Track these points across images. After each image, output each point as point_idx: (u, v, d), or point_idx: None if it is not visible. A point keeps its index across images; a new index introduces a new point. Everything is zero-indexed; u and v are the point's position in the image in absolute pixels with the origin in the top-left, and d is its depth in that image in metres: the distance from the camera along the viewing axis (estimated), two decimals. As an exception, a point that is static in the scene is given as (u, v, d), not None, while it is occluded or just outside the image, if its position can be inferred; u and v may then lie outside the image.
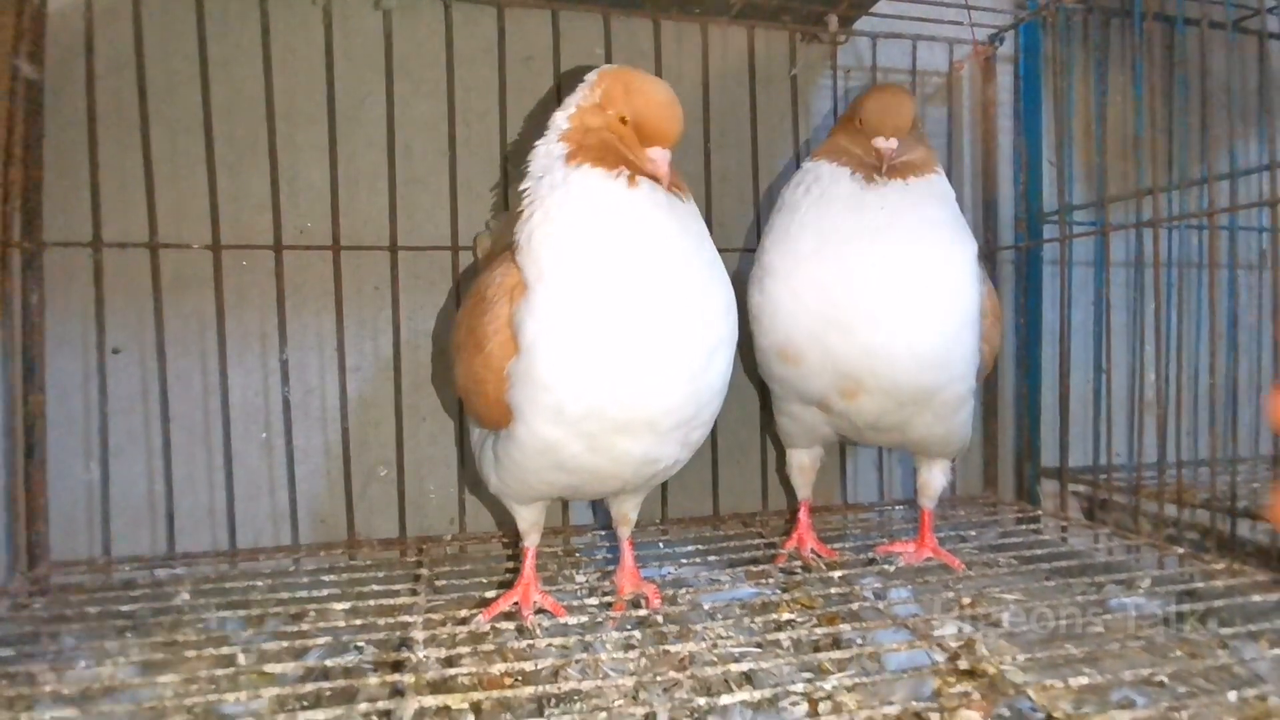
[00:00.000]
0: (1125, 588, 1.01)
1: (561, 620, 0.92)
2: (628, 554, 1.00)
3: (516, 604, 0.93)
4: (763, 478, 1.41)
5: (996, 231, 1.48)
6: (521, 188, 0.86)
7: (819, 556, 1.13)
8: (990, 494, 1.49)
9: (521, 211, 0.85)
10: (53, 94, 1.10)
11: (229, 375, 1.16)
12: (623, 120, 0.81)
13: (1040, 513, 1.36)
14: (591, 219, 0.80)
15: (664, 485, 1.35)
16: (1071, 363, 1.36)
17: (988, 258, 1.48)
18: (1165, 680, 0.80)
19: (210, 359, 1.16)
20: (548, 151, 0.85)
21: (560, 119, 0.86)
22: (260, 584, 1.02)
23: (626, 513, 1.00)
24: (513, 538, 1.22)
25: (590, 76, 0.87)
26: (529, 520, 0.97)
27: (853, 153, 1.01)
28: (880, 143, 0.98)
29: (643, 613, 0.94)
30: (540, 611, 0.93)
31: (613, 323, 0.78)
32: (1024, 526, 1.31)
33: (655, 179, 0.82)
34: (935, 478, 1.14)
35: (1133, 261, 1.37)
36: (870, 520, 1.36)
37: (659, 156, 0.81)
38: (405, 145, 1.24)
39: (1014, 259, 1.49)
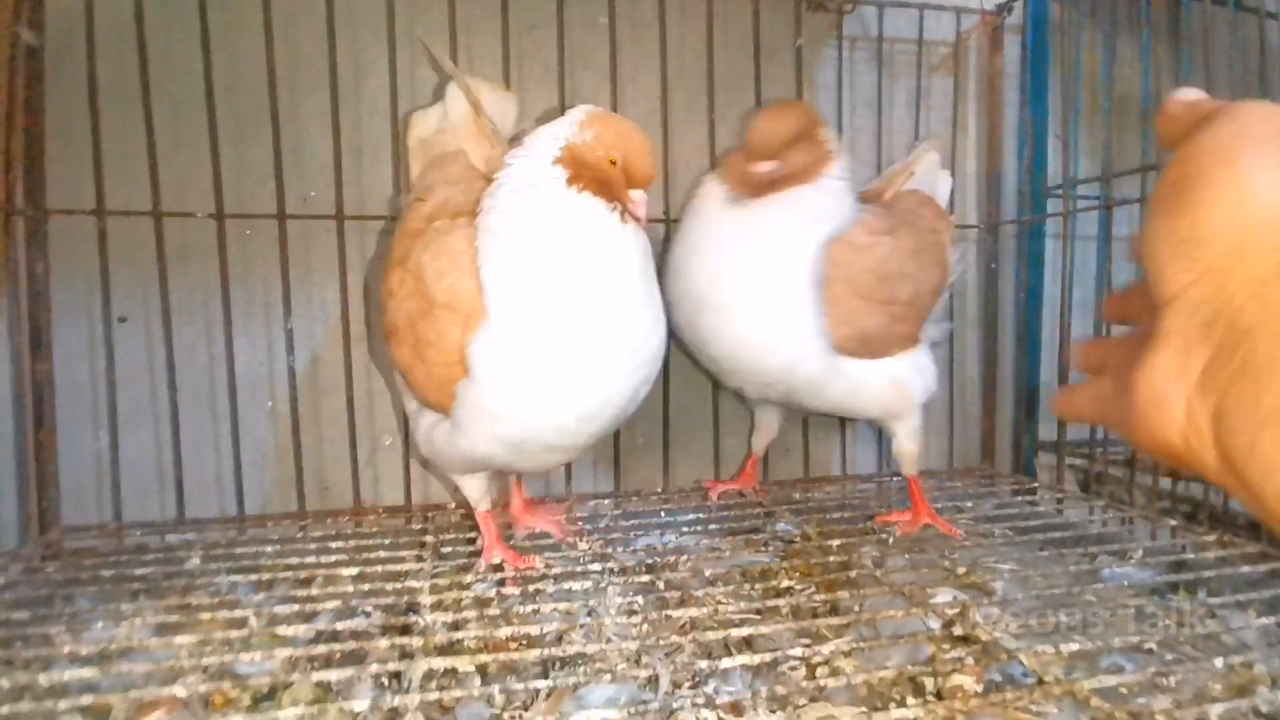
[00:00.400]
0: (1117, 558, 1.04)
1: (565, 585, 0.95)
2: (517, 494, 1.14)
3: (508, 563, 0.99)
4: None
5: (999, 205, 1.48)
6: (499, 197, 0.88)
7: (752, 493, 1.31)
8: (988, 466, 1.51)
9: (456, 164, 0.96)
10: (54, 61, 1.09)
11: (234, 344, 1.17)
12: (612, 162, 0.87)
13: (1037, 485, 1.38)
14: (583, 244, 0.85)
15: (665, 455, 1.36)
16: (1072, 338, 1.37)
17: (990, 231, 1.48)
18: (1154, 648, 0.82)
19: (215, 328, 1.17)
20: (541, 171, 0.87)
21: (548, 145, 0.88)
22: (269, 550, 1.04)
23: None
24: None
25: (577, 116, 0.90)
26: (478, 489, 1.01)
27: (736, 169, 1.09)
28: (752, 167, 1.06)
29: (646, 579, 0.96)
30: (500, 566, 0.99)
31: (566, 364, 0.85)
32: (1020, 499, 1.33)
33: (636, 219, 0.89)
34: (901, 444, 1.18)
35: (1136, 236, 1.37)
36: (868, 491, 1.38)
37: (640, 199, 0.88)
38: (409, 114, 1.23)
39: (1016, 233, 1.49)
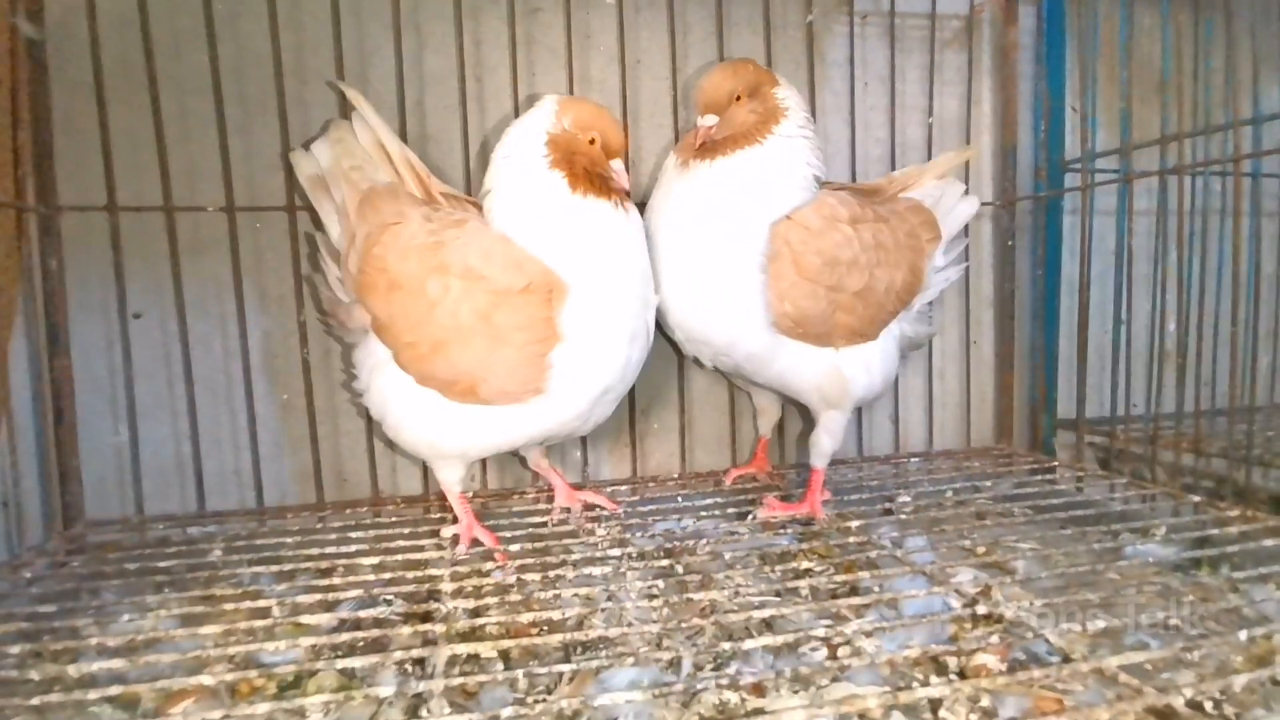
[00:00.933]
0: (1140, 536, 1.03)
1: (585, 571, 0.95)
2: (558, 478, 1.19)
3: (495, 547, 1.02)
4: (780, 433, 1.42)
5: (1015, 181, 1.46)
6: (501, 199, 0.98)
7: (765, 476, 1.32)
8: (1005, 445, 1.50)
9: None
10: (56, 55, 1.09)
11: (248, 337, 1.17)
12: (591, 141, 0.98)
13: (1056, 464, 1.37)
14: (607, 246, 0.98)
15: (682, 441, 1.36)
16: (1090, 314, 1.35)
17: (1006, 207, 1.46)
18: (1179, 624, 0.81)
19: (229, 321, 1.17)
20: (544, 180, 0.97)
21: (531, 143, 0.98)
22: (289, 541, 1.05)
23: (543, 451, 1.19)
24: (538, 494, 1.25)
25: (547, 105, 1.00)
26: (455, 473, 1.05)
27: (688, 138, 1.10)
28: (699, 120, 1.07)
29: (664, 563, 0.96)
30: (476, 544, 1.03)
31: (624, 318, 0.99)
32: (1039, 477, 1.31)
33: (624, 190, 1.01)
34: (819, 435, 1.16)
35: (1154, 210, 1.35)
36: (885, 472, 1.37)
37: (620, 169, 1.00)
38: (415, 101, 1.23)
39: (1032, 209, 1.47)
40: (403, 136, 1.19)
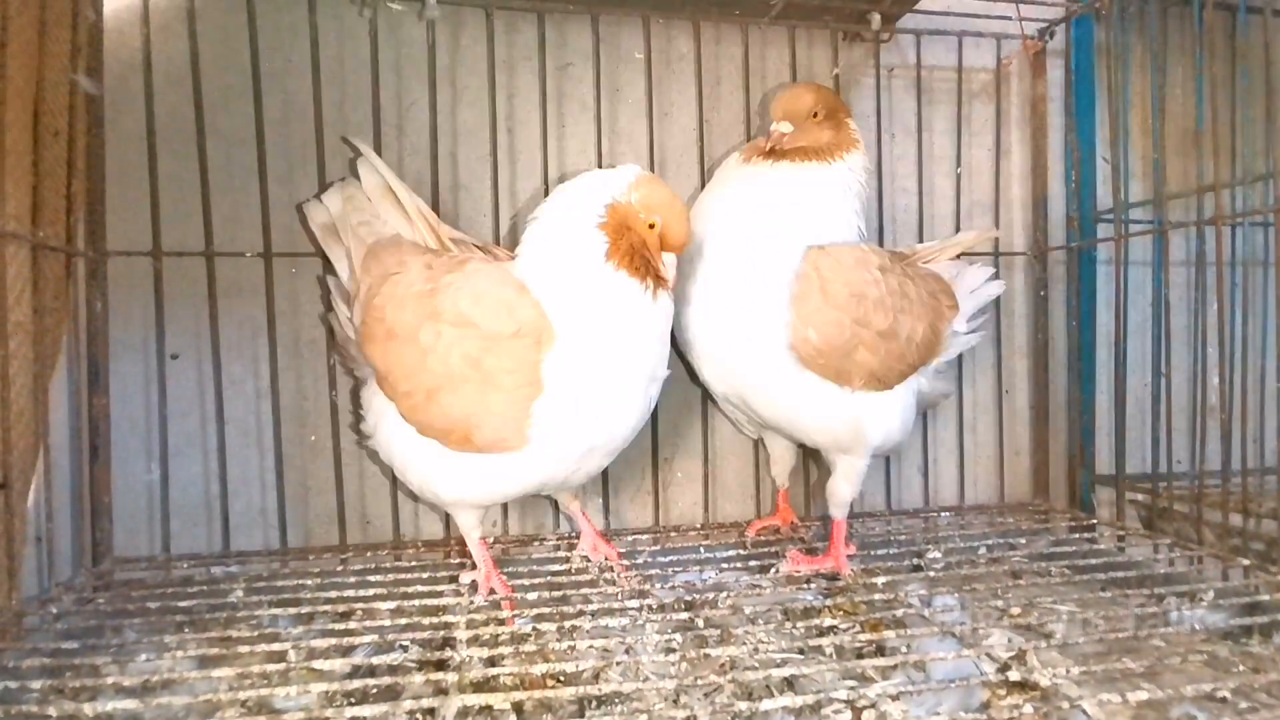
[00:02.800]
0: (1187, 600, 0.98)
1: (603, 622, 0.93)
2: (587, 524, 1.17)
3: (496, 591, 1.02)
4: (805, 484, 1.39)
5: (1047, 231, 1.44)
6: (538, 235, 0.98)
7: (788, 528, 1.28)
8: (1041, 501, 1.45)
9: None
10: (112, 108, 1.14)
11: (279, 379, 1.19)
12: (651, 226, 0.95)
13: (1095, 521, 1.32)
14: (618, 319, 0.95)
15: (705, 491, 1.34)
16: (1128, 366, 1.32)
17: (1038, 257, 1.45)
18: (1228, 696, 0.77)
19: (262, 363, 1.20)
20: (585, 237, 0.95)
21: (594, 200, 0.96)
22: (309, 583, 1.05)
23: (574, 494, 1.17)
24: (559, 541, 1.24)
25: (626, 175, 0.98)
26: (473, 518, 1.05)
27: (757, 143, 1.13)
28: (774, 126, 1.10)
29: (684, 616, 0.93)
30: (492, 593, 1.01)
31: (616, 380, 0.96)
32: (1078, 535, 1.27)
33: (664, 281, 0.97)
34: (836, 483, 1.14)
35: (1192, 261, 1.32)
36: (914, 526, 1.33)
37: (671, 263, 0.97)
38: (449, 152, 1.26)
39: (1065, 259, 1.45)
40: (434, 186, 1.23)
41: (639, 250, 0.96)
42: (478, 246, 1.09)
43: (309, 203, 1.15)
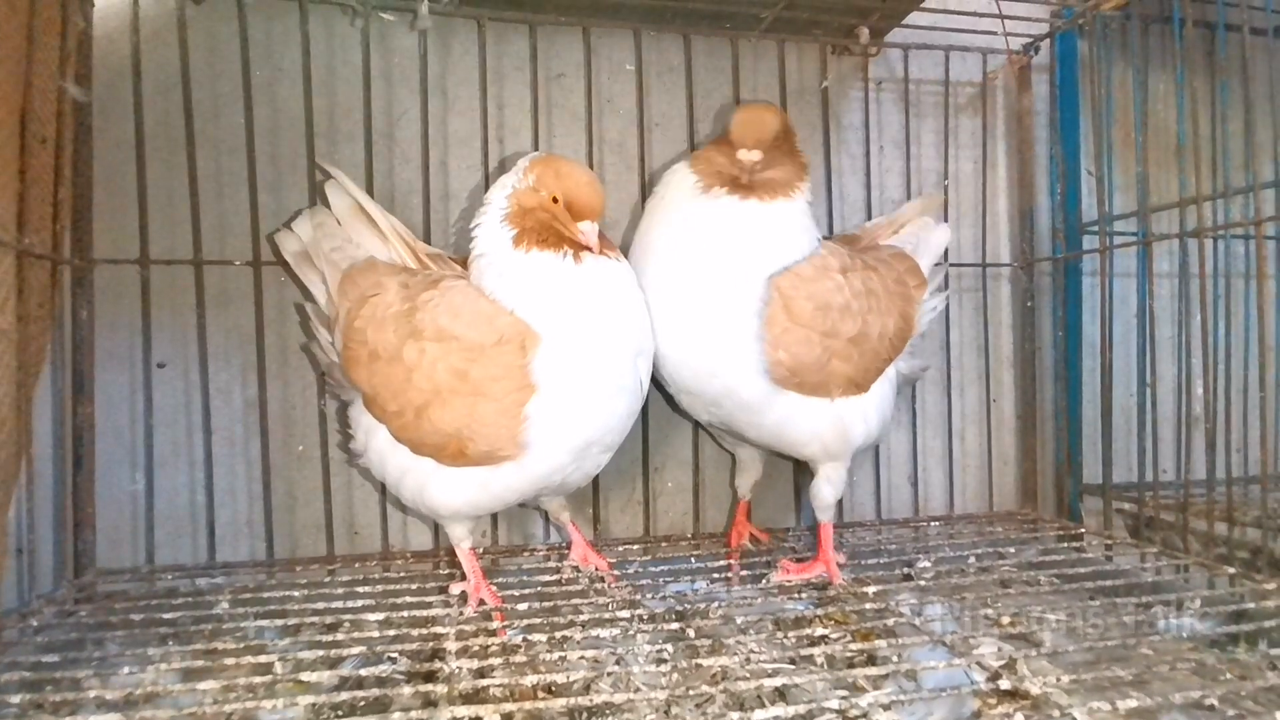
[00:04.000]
0: (1174, 608, 0.98)
1: (593, 633, 0.92)
2: (577, 534, 1.16)
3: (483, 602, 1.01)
4: (795, 493, 1.40)
5: (1033, 243, 1.46)
6: (476, 249, 1.00)
7: (758, 541, 1.27)
8: (1029, 510, 1.46)
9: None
10: (101, 116, 1.14)
11: (267, 388, 1.18)
12: (554, 200, 0.96)
13: (1083, 530, 1.33)
14: (567, 294, 0.96)
15: (695, 500, 1.34)
16: (1114, 377, 1.33)
17: (1024, 269, 1.46)
18: (1215, 703, 0.77)
19: (250, 373, 1.19)
20: (497, 234, 0.98)
21: (499, 198, 1.00)
22: (297, 594, 1.04)
23: (563, 504, 1.17)
24: (549, 551, 1.23)
25: (522, 163, 1.01)
26: (465, 528, 1.04)
27: (715, 161, 1.08)
28: (743, 154, 1.05)
29: (675, 626, 0.93)
30: (482, 604, 1.00)
31: (604, 366, 0.96)
32: (1065, 544, 1.27)
33: (587, 249, 0.97)
34: (819, 487, 1.14)
35: (1176, 272, 1.34)
36: (904, 535, 1.33)
37: (589, 229, 0.96)
38: (440, 161, 1.26)
39: (1051, 270, 1.46)
40: (425, 195, 1.23)
41: (548, 226, 0.97)
42: (455, 261, 1.09)
43: (279, 232, 1.14)
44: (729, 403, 1.07)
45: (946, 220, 1.44)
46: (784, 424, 1.08)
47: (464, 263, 1.08)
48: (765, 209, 1.06)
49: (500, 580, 1.08)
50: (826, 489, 1.13)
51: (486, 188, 1.24)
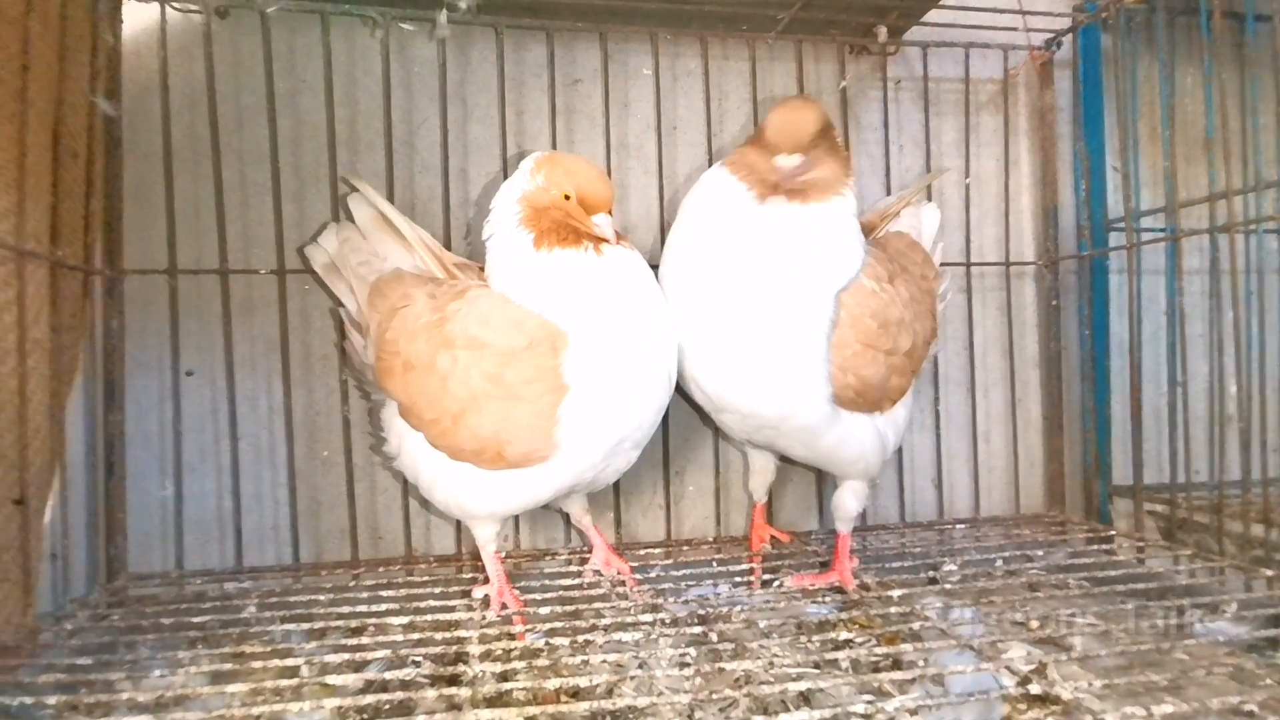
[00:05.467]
0: (1209, 612, 0.96)
1: (616, 637, 0.92)
2: (599, 538, 1.16)
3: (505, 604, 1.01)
4: (818, 496, 1.39)
5: (1057, 241, 1.44)
6: (491, 255, 1.01)
7: (779, 543, 1.26)
8: (1057, 512, 1.43)
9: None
10: (130, 129, 1.16)
11: (292, 395, 1.20)
12: (566, 197, 0.96)
13: (1114, 532, 1.30)
14: (592, 292, 0.96)
15: (717, 504, 1.34)
16: (1143, 376, 1.31)
17: (1049, 267, 1.44)
18: (1255, 709, 0.75)
19: (275, 379, 1.21)
20: (514, 240, 0.98)
21: (508, 204, 1.00)
22: (322, 598, 1.05)
23: (585, 508, 1.17)
24: (571, 555, 1.24)
25: (525, 165, 1.00)
26: (491, 530, 1.04)
27: (756, 167, 1.01)
28: (781, 160, 0.97)
29: (697, 630, 0.93)
30: (503, 608, 1.00)
31: (633, 363, 0.96)
32: (1095, 547, 1.25)
33: (604, 241, 0.97)
34: (845, 499, 1.12)
35: (1206, 269, 1.31)
36: (929, 539, 1.32)
37: (604, 221, 0.97)
38: (459, 169, 1.27)
39: (1076, 269, 1.44)
40: (446, 203, 1.24)
41: (564, 224, 0.97)
42: (480, 269, 1.09)
43: (309, 246, 1.16)
44: (786, 426, 1.02)
45: (970, 218, 1.42)
46: (839, 445, 1.04)
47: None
48: (823, 211, 0.99)
49: (522, 584, 1.09)
50: (852, 501, 1.12)
51: (506, 194, 1.26)
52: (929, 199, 1.32)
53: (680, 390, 1.12)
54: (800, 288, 0.98)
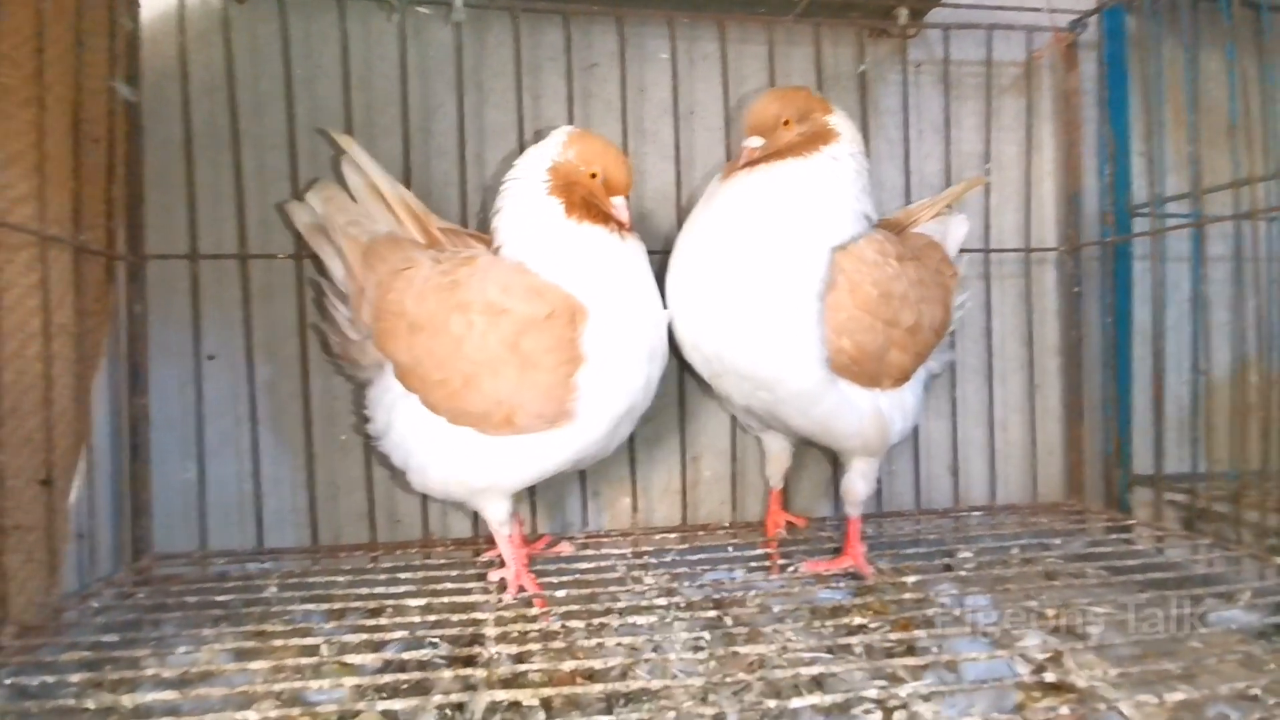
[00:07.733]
0: (1224, 601, 0.95)
1: (631, 620, 0.93)
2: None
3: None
4: (833, 483, 1.38)
5: (1080, 227, 1.42)
6: (508, 221, 1.03)
7: (795, 528, 1.27)
8: (1075, 501, 1.42)
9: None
10: (150, 115, 1.17)
11: (310, 379, 1.21)
12: (593, 175, 1.00)
13: (1133, 522, 1.29)
14: (608, 266, 1.00)
15: (733, 489, 1.34)
16: (1165, 363, 1.29)
17: (1071, 253, 1.42)
18: (1259, 693, 0.75)
19: (293, 364, 1.22)
20: (542, 206, 1.01)
21: (536, 170, 1.02)
22: (341, 580, 1.07)
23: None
24: (586, 538, 1.25)
25: (557, 136, 1.03)
26: (503, 512, 1.04)
27: (734, 164, 1.09)
28: (745, 143, 1.06)
29: (712, 614, 0.93)
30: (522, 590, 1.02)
31: (640, 335, 1.01)
32: (1114, 536, 1.24)
33: (621, 223, 1.02)
34: (853, 482, 1.12)
35: (1230, 256, 1.29)
36: (944, 526, 1.31)
37: (622, 204, 1.01)
38: (476, 154, 1.27)
39: (1099, 255, 1.42)
40: (463, 186, 1.24)
41: (590, 200, 1.01)
42: (473, 236, 1.09)
43: (291, 203, 1.14)
44: (781, 390, 1.03)
45: (990, 204, 1.41)
46: (833, 415, 1.05)
47: (480, 238, 1.08)
48: (799, 167, 1.04)
49: (539, 568, 1.10)
50: (860, 484, 1.12)
51: (522, 179, 1.25)
52: (988, 203, 1.31)
53: (688, 369, 1.14)
54: (782, 243, 1.01)
